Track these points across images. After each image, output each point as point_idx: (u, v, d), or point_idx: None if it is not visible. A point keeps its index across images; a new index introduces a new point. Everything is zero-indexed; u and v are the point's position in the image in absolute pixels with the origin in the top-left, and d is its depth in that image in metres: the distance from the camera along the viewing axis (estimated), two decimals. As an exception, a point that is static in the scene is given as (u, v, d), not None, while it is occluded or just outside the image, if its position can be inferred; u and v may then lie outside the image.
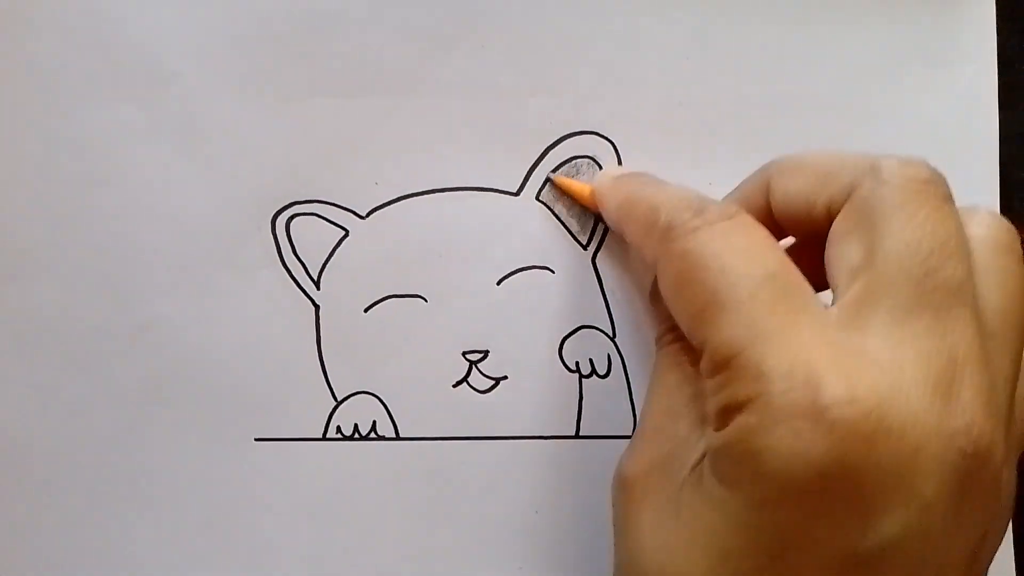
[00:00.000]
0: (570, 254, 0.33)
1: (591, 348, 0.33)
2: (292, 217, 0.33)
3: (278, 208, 0.33)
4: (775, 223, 0.27)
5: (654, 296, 0.29)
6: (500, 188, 0.33)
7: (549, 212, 0.33)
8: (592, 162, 0.33)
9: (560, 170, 0.33)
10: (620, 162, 0.33)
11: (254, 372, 0.33)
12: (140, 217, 0.33)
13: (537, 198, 0.33)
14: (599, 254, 0.33)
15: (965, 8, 0.33)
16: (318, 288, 0.33)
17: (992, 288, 0.24)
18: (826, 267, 0.25)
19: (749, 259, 0.23)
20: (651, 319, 0.31)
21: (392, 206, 0.33)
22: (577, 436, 0.33)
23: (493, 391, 0.33)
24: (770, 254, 0.24)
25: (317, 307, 0.34)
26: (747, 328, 0.22)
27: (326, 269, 0.33)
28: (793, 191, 0.26)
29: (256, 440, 0.34)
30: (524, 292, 0.33)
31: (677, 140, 0.33)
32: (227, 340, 0.33)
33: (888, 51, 0.33)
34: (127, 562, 0.34)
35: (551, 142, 0.33)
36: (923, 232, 0.23)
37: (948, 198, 0.24)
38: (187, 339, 0.33)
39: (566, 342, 0.33)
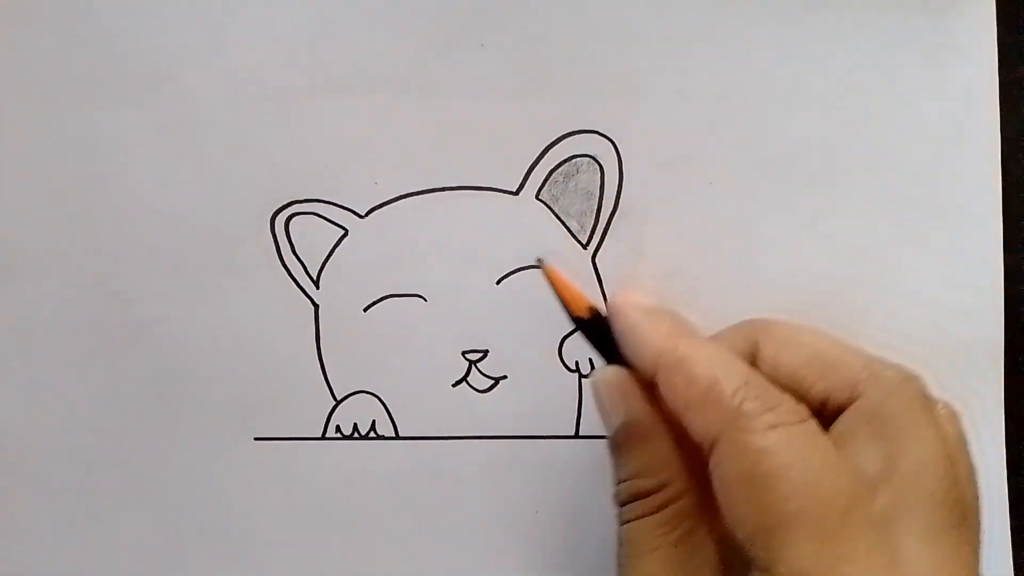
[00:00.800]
0: (570, 253, 0.33)
1: (591, 348, 0.33)
2: (291, 216, 0.33)
3: (277, 207, 0.33)
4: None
5: (621, 446, 0.28)
6: (500, 187, 0.33)
7: (549, 211, 0.33)
8: (592, 161, 0.33)
9: (560, 170, 0.33)
10: (620, 161, 0.33)
11: (253, 372, 0.33)
12: (140, 217, 0.33)
13: (537, 197, 0.33)
14: (599, 253, 0.33)
15: (965, 7, 0.33)
16: (317, 287, 0.33)
17: (967, 482, 0.26)
18: None
19: (833, 480, 0.24)
20: (613, 470, 0.29)
21: (391, 205, 0.33)
22: (576, 436, 0.33)
23: (492, 391, 0.33)
24: (846, 474, 0.24)
25: (316, 306, 0.34)
26: (819, 557, 0.23)
27: (325, 268, 0.33)
28: (787, 367, 0.28)
29: (256, 440, 0.34)
30: (524, 291, 0.33)
31: (677, 139, 0.33)
32: (227, 340, 0.33)
33: (888, 51, 0.33)
34: (127, 561, 0.34)
35: (551, 141, 0.33)
36: (935, 449, 0.25)
37: (934, 407, 0.26)
38: (187, 339, 0.33)
39: (566, 342, 0.33)
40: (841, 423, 0.27)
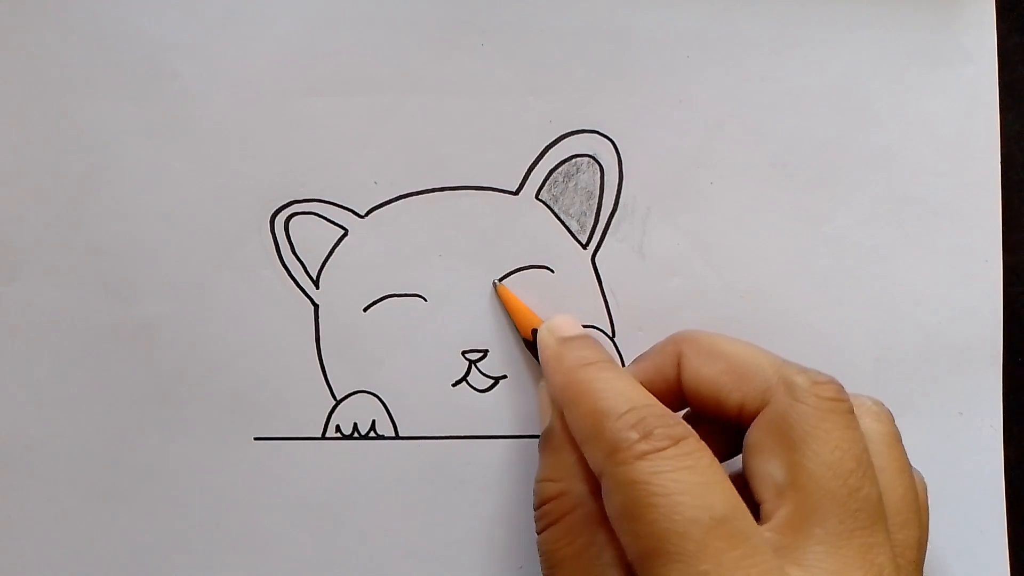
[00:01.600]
0: (570, 253, 0.33)
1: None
2: (291, 216, 0.33)
3: (277, 207, 0.33)
4: (683, 394, 0.29)
5: (541, 449, 0.30)
6: (500, 187, 0.33)
7: (549, 211, 0.33)
8: (592, 160, 0.33)
9: (560, 169, 0.33)
10: (620, 161, 0.33)
11: (253, 371, 0.33)
12: (140, 216, 0.33)
13: (537, 197, 0.33)
14: (599, 253, 0.33)
15: (965, 8, 0.33)
16: (317, 287, 0.33)
17: (893, 480, 0.27)
18: (747, 475, 0.27)
19: (698, 500, 0.24)
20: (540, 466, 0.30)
21: (391, 205, 0.33)
22: (577, 435, 0.33)
23: (492, 390, 0.33)
24: (718, 492, 0.24)
25: (316, 306, 0.34)
26: None
27: (325, 268, 0.33)
28: (706, 378, 0.28)
29: (256, 439, 0.34)
30: (524, 291, 0.33)
31: (677, 138, 0.33)
32: (227, 339, 0.33)
33: (888, 51, 0.33)
34: (127, 561, 0.34)
35: (551, 140, 0.33)
36: (840, 452, 0.25)
37: (852, 410, 0.26)
38: (187, 339, 0.33)
39: (566, 341, 0.33)
40: (752, 431, 0.27)
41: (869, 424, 0.28)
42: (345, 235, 0.33)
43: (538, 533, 0.28)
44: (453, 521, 0.34)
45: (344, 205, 0.33)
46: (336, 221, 0.33)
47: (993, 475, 0.34)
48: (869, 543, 0.25)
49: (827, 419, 0.26)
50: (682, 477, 0.24)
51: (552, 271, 0.33)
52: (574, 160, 0.33)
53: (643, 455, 0.25)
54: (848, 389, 0.33)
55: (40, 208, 0.33)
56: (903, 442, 0.28)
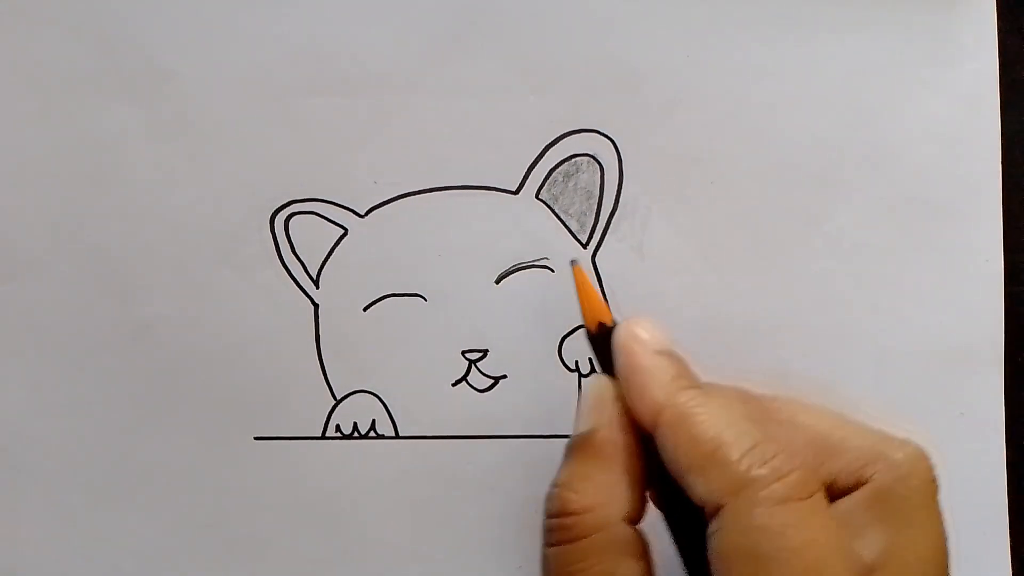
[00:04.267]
0: (570, 253, 0.33)
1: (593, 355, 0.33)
2: (291, 216, 0.33)
3: (277, 207, 0.33)
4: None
5: (573, 451, 0.27)
6: (500, 186, 0.33)
7: (549, 211, 0.33)
8: (592, 160, 0.33)
9: (560, 169, 0.33)
10: (620, 161, 0.33)
11: (253, 371, 0.33)
12: (140, 216, 0.33)
13: (537, 196, 0.33)
14: (599, 253, 0.33)
15: (965, 8, 0.33)
16: (317, 287, 0.33)
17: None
18: None
19: (830, 569, 0.23)
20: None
21: (391, 205, 0.33)
22: (576, 435, 0.33)
23: (492, 390, 0.33)
24: (844, 562, 0.23)
25: (316, 306, 0.34)
26: None
27: (325, 268, 0.33)
28: (786, 451, 0.26)
29: (256, 439, 0.34)
30: (524, 291, 0.33)
31: (677, 138, 0.33)
32: (226, 339, 0.33)
33: (888, 51, 0.33)
34: (127, 561, 0.34)
35: (551, 140, 0.33)
36: (941, 541, 0.25)
37: (938, 490, 0.26)
38: (187, 338, 0.34)
39: (565, 341, 0.33)
40: (845, 503, 0.26)
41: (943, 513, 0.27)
42: (345, 235, 0.33)
43: (548, 545, 0.26)
44: (453, 521, 0.34)
45: (344, 205, 0.33)
46: (336, 221, 0.33)
47: (994, 476, 0.34)
48: None
49: (930, 504, 0.25)
50: (819, 539, 0.23)
51: (552, 271, 0.33)
52: (574, 160, 0.33)
53: (782, 500, 0.23)
54: (848, 389, 0.33)
55: (40, 208, 0.33)
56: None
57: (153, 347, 0.34)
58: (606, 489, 0.26)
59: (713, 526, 0.24)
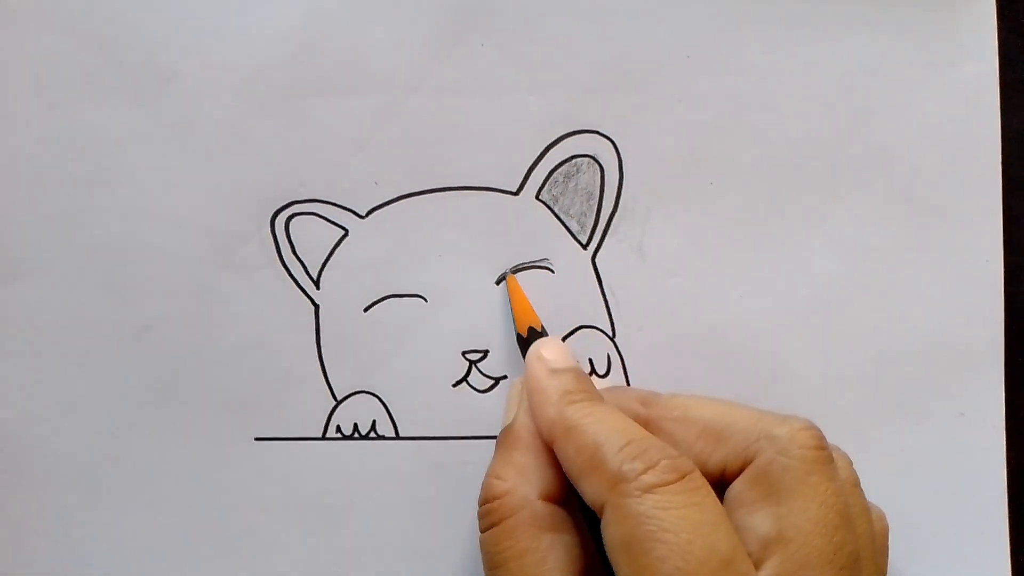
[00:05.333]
0: (570, 253, 0.33)
1: (591, 347, 0.33)
2: (291, 216, 0.33)
3: (277, 207, 0.33)
4: None
5: (499, 444, 0.30)
6: (500, 187, 0.33)
7: (549, 211, 0.33)
8: (592, 161, 0.33)
9: (560, 170, 0.33)
10: (620, 161, 0.33)
11: (254, 372, 0.33)
12: (140, 217, 0.33)
13: (537, 197, 0.33)
14: (599, 253, 0.33)
15: (965, 8, 0.33)
16: (318, 287, 0.33)
17: (865, 520, 0.27)
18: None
19: (707, 540, 0.24)
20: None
21: (392, 205, 0.33)
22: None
23: (492, 390, 0.33)
24: (723, 532, 0.24)
25: (317, 307, 0.34)
26: None
27: (326, 268, 0.33)
28: (682, 445, 0.28)
29: (256, 440, 0.34)
30: (524, 291, 0.33)
31: (677, 138, 0.33)
32: (227, 340, 0.33)
33: (888, 51, 0.33)
34: (127, 560, 0.34)
35: (551, 140, 0.33)
36: (826, 508, 0.25)
37: (832, 459, 0.26)
38: (187, 339, 0.33)
39: (565, 341, 0.33)
40: (733, 488, 0.27)
41: (836, 478, 0.28)
42: (345, 235, 0.33)
43: (481, 531, 0.28)
44: (453, 521, 0.34)
45: (344, 205, 0.33)
46: (336, 221, 0.33)
47: (994, 476, 0.34)
48: None
49: (812, 472, 0.26)
50: (691, 515, 0.24)
51: (552, 271, 0.33)
52: (574, 160, 0.33)
53: (650, 488, 0.25)
54: (848, 389, 0.33)
55: (40, 208, 0.33)
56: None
57: (153, 347, 0.34)
58: (524, 472, 0.28)
59: (601, 526, 0.25)
